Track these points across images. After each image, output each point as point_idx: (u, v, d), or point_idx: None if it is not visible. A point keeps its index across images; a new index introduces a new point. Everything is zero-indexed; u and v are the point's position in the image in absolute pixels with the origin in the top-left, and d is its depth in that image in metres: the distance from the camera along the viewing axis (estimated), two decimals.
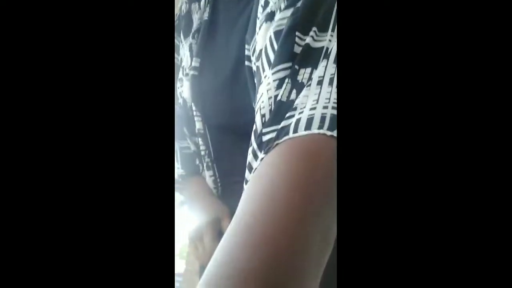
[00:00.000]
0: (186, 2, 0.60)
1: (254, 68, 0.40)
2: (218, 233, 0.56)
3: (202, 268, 0.64)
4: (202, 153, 0.58)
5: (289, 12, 0.36)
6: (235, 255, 0.24)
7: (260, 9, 0.40)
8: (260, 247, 0.23)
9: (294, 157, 0.27)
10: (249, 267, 0.22)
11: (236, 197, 0.33)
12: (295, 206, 0.25)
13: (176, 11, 0.61)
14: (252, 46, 0.41)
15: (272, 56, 0.35)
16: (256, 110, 0.34)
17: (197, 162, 0.61)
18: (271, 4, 0.39)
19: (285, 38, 0.35)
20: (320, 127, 0.27)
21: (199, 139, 0.57)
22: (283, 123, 0.30)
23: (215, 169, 0.58)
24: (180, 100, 0.59)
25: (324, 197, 0.26)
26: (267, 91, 0.33)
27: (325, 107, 0.29)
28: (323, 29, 0.34)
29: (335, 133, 0.27)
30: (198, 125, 0.56)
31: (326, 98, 0.29)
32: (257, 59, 0.38)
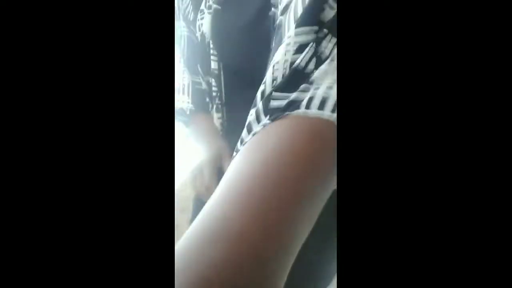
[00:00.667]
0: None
1: (277, 21, 0.36)
2: (218, 169, 0.57)
3: (197, 199, 0.67)
4: (214, 94, 0.56)
5: None
6: (228, 213, 0.23)
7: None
8: (255, 211, 0.23)
9: (302, 136, 0.26)
10: (241, 229, 0.22)
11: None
12: (291, 185, 0.25)
13: None
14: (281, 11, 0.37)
15: (299, 14, 0.31)
16: (268, 69, 0.31)
17: (207, 99, 0.60)
18: None
19: None
20: (334, 110, 0.27)
21: (212, 79, 0.55)
22: (295, 95, 0.28)
23: (224, 112, 0.56)
24: (198, 34, 0.56)
25: (320, 182, 0.26)
26: (285, 52, 0.30)
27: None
28: None
29: None
30: (214, 64, 0.53)
31: None
32: (282, 12, 0.35)
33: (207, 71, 0.57)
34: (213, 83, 0.56)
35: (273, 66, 0.31)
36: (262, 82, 0.31)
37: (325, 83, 0.28)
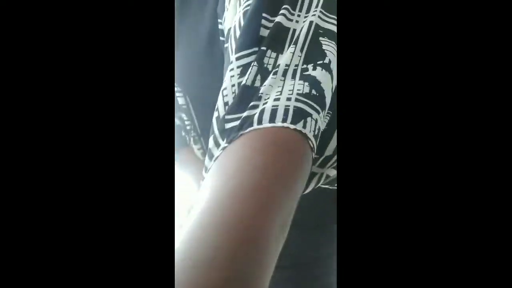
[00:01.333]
0: None
1: (223, 48, 0.39)
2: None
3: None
4: (188, 127, 0.58)
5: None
6: (198, 235, 0.24)
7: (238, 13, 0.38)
8: (222, 233, 0.23)
9: (258, 149, 0.27)
10: (210, 254, 0.22)
11: None
12: (257, 198, 0.25)
13: None
14: (223, 21, 0.40)
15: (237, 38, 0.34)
16: (219, 95, 0.33)
17: (183, 134, 0.62)
18: None
19: (249, 20, 0.32)
20: (284, 120, 0.27)
21: (183, 114, 0.57)
22: (247, 113, 0.29)
23: (202, 142, 0.58)
24: None
25: (286, 190, 0.26)
26: (231, 78, 0.32)
27: (289, 99, 0.28)
28: (294, 7, 0.33)
29: (298, 127, 0.27)
30: (181, 100, 0.56)
31: (290, 90, 0.29)
32: (226, 40, 0.37)
33: (176, 108, 0.59)
34: (185, 117, 0.58)
35: (222, 92, 0.32)
36: (215, 109, 0.32)
37: (272, 96, 0.29)
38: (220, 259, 0.22)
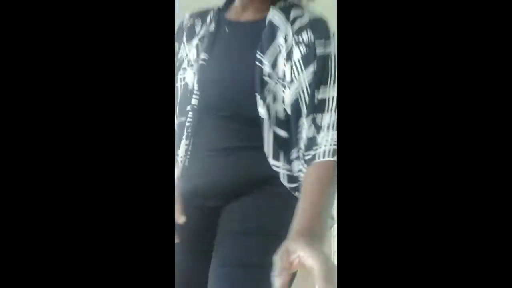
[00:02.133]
0: (188, 19, 0.84)
1: (267, 79, 0.69)
2: None
3: None
4: (187, 124, 0.72)
5: (311, 68, 0.69)
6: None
7: (281, 40, 0.68)
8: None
9: (327, 171, 0.63)
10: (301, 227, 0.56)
11: (203, 169, 0.71)
12: (326, 199, 0.62)
13: (177, 24, 0.85)
14: (269, 61, 0.68)
15: (306, 100, 0.70)
16: (300, 142, 0.71)
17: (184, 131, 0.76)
18: (290, 41, 0.70)
19: (311, 95, 0.68)
20: (333, 155, 0.64)
21: (191, 112, 0.72)
22: (314, 151, 0.67)
23: (191, 139, 0.71)
24: (178, 84, 0.76)
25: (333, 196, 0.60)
26: (304, 131, 0.70)
27: (332, 144, 0.64)
28: (326, 84, 0.68)
29: (335, 158, 0.64)
30: (194, 101, 0.72)
31: (331, 139, 0.64)
32: (271, 77, 0.70)
33: (183, 111, 0.74)
34: (190, 114, 0.72)
35: (298, 139, 0.73)
36: (298, 147, 0.74)
37: (326, 143, 0.66)
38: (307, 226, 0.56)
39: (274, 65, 0.66)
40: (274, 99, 0.67)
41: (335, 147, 0.61)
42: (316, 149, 0.63)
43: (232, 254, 0.66)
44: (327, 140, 0.63)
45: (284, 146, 0.70)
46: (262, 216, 0.68)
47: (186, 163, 0.71)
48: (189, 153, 0.71)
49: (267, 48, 0.67)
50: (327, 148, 0.61)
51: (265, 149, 0.68)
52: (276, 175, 0.69)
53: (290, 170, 0.70)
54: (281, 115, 0.69)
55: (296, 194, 0.71)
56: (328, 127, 0.65)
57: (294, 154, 0.72)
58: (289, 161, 0.71)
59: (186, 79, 0.73)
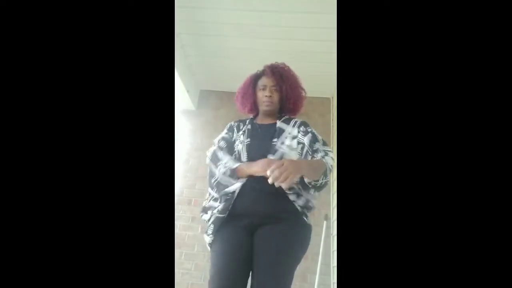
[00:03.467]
0: (226, 133, 1.51)
1: (277, 147, 1.36)
2: None
3: None
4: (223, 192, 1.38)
5: (309, 136, 1.40)
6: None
7: (288, 137, 1.39)
8: None
9: (319, 163, 1.32)
10: None
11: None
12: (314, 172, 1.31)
13: (221, 135, 1.54)
14: (280, 141, 1.37)
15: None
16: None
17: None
18: (293, 137, 1.40)
19: (310, 146, 1.37)
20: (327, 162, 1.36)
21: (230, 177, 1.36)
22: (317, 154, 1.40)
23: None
24: (236, 150, 1.42)
25: None
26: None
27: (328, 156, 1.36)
28: (319, 142, 1.41)
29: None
30: (243, 160, 1.38)
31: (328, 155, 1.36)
32: (282, 142, 1.38)
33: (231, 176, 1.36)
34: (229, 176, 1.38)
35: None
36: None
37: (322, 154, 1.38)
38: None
39: (282, 143, 1.36)
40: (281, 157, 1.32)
41: (333, 159, 1.36)
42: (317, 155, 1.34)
43: None
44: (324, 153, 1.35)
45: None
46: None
47: None
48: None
49: (278, 137, 1.39)
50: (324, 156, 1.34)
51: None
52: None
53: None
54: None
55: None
56: (327, 159, 1.33)
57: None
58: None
59: (237, 149, 1.41)
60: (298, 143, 1.33)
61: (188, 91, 3.08)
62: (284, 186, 1.01)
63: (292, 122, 1.42)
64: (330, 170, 1.27)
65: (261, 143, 1.35)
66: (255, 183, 1.22)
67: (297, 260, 1.18)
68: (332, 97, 3.26)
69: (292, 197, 1.24)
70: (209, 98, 3.41)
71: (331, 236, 2.70)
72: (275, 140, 1.34)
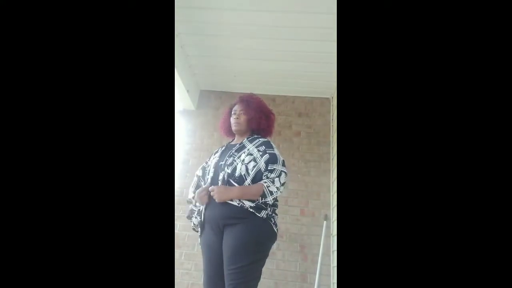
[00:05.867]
0: (205, 162, 1.87)
1: (234, 164, 1.66)
2: None
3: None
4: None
5: (265, 157, 1.65)
6: None
7: (245, 153, 1.66)
8: None
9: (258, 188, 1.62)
10: None
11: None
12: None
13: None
14: (237, 156, 1.67)
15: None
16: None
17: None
18: (249, 155, 1.65)
19: (266, 168, 1.63)
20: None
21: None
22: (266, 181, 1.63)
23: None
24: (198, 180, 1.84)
25: None
26: (265, 179, 1.63)
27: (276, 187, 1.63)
28: (276, 163, 1.63)
29: None
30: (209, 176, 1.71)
31: (276, 186, 1.62)
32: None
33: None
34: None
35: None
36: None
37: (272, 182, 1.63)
38: None
39: (239, 157, 1.64)
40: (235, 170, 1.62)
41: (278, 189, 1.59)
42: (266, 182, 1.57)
43: None
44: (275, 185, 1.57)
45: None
46: None
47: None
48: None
49: (238, 152, 1.67)
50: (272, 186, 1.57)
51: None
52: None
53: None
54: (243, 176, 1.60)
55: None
56: (272, 178, 1.58)
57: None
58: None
59: (208, 168, 1.75)
60: (254, 160, 1.61)
61: (188, 91, 3.08)
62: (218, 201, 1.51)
63: (255, 141, 1.72)
64: (272, 193, 1.54)
65: (222, 158, 1.71)
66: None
67: (253, 252, 1.46)
68: (332, 97, 3.26)
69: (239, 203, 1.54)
70: (209, 98, 3.41)
71: (331, 236, 2.70)
72: (235, 154, 1.67)
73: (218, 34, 2.68)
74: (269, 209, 1.55)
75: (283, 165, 1.63)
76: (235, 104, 1.90)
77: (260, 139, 1.72)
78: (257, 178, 1.58)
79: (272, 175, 1.56)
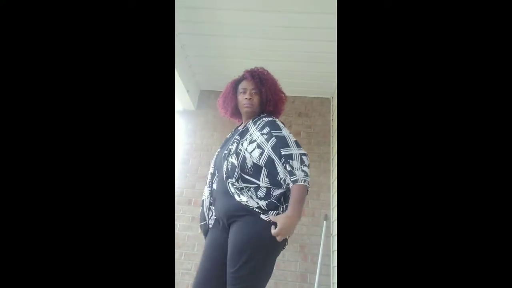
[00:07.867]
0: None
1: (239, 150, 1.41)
2: None
3: None
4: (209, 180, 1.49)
5: (273, 142, 1.37)
6: None
7: (247, 139, 1.40)
8: None
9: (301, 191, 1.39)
10: None
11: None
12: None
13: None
14: (241, 143, 1.41)
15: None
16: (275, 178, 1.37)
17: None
18: (251, 139, 1.40)
19: (278, 154, 1.34)
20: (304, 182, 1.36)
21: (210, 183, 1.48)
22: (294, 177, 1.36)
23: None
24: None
25: None
26: (282, 171, 1.37)
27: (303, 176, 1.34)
28: (288, 147, 1.32)
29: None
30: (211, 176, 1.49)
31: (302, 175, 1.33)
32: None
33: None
34: (208, 184, 1.51)
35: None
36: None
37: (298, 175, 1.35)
38: None
39: (242, 144, 1.39)
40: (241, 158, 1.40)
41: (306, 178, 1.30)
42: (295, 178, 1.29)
43: None
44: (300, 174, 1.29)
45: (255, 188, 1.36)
46: None
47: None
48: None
49: (243, 137, 1.42)
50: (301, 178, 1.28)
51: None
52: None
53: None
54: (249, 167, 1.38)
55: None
56: (297, 168, 1.29)
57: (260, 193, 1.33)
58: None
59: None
60: (259, 147, 1.32)
61: (188, 91, 3.08)
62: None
63: (258, 122, 1.42)
64: (309, 182, 1.27)
65: (226, 147, 1.44)
66: (220, 187, 1.38)
67: (256, 252, 1.20)
68: (332, 97, 3.26)
69: (243, 198, 1.27)
70: (209, 98, 3.41)
71: (331, 236, 2.70)
72: (237, 138, 1.41)
73: (218, 34, 2.68)
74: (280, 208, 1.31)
75: (298, 146, 1.32)
76: (242, 80, 1.54)
77: (264, 119, 1.42)
78: (271, 169, 1.29)
79: (295, 164, 1.26)
